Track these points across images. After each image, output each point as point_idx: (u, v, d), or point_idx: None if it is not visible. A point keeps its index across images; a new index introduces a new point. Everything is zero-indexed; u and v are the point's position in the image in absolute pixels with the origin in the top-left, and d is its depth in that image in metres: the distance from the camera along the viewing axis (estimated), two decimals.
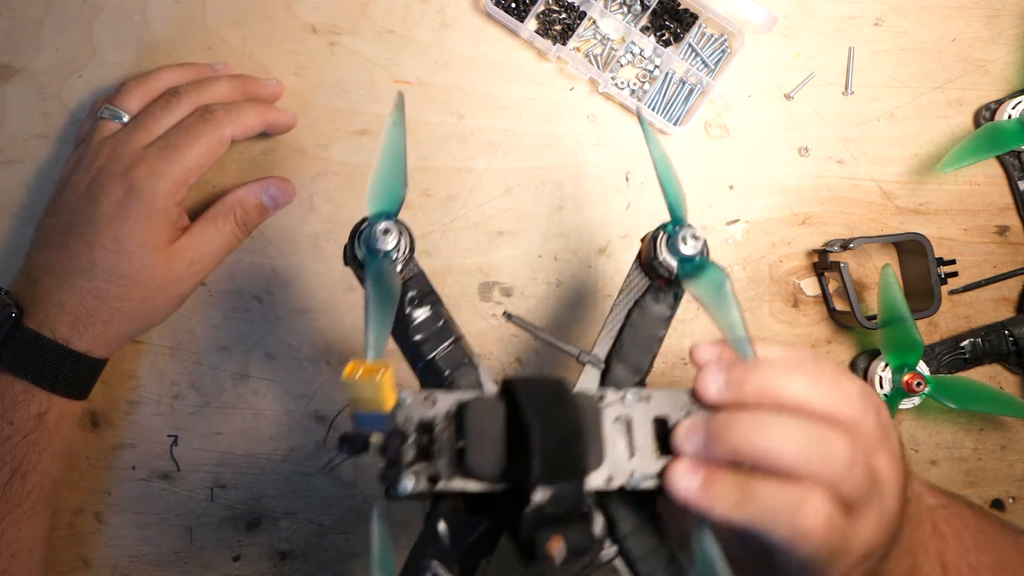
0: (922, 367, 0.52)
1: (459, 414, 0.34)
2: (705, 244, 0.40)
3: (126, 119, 0.50)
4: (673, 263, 0.40)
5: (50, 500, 0.49)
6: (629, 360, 0.41)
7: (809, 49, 0.56)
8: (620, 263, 0.55)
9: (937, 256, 0.54)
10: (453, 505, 0.36)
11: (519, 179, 0.56)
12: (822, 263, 0.55)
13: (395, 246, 0.37)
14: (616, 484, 0.34)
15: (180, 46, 0.56)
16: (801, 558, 0.33)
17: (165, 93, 0.51)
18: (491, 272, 0.55)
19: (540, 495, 0.31)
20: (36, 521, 0.48)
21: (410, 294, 0.39)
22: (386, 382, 0.30)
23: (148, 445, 0.54)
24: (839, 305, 0.55)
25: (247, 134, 0.51)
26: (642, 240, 0.42)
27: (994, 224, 0.56)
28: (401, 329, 0.39)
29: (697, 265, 0.40)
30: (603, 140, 0.56)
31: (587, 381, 0.40)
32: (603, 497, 0.36)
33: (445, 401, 0.34)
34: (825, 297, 0.55)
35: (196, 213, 0.51)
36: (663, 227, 0.41)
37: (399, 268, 0.38)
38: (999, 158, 0.56)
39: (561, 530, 0.31)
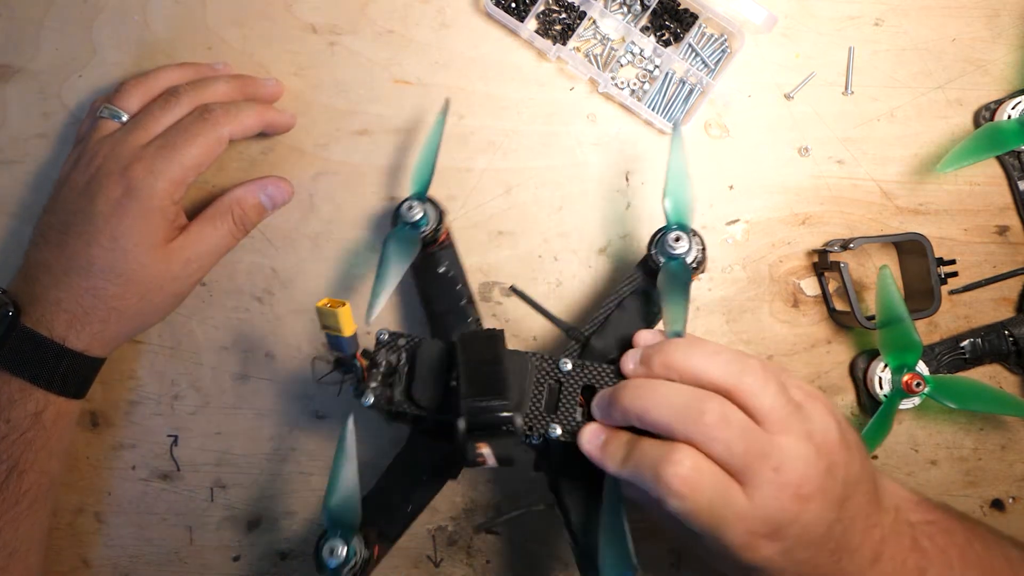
0: (921, 367, 0.51)
1: (412, 354, 0.44)
2: (698, 248, 0.46)
3: (125, 118, 0.51)
4: (661, 260, 0.46)
5: (48, 499, 0.49)
6: (609, 339, 0.47)
7: (809, 49, 0.56)
8: (620, 263, 0.55)
9: (937, 256, 0.54)
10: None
11: (519, 179, 0.56)
12: (822, 263, 0.55)
13: (417, 218, 0.47)
14: (533, 432, 0.42)
15: (180, 46, 0.56)
16: (676, 512, 0.37)
17: (164, 92, 0.51)
18: (491, 272, 0.55)
19: (466, 406, 0.39)
20: (34, 520, 0.48)
21: (440, 262, 0.50)
22: (342, 314, 0.39)
23: (148, 445, 0.54)
24: (839, 305, 0.55)
25: (246, 134, 0.51)
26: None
27: (994, 224, 0.56)
28: (424, 286, 0.50)
29: (676, 264, 0.46)
30: (603, 140, 0.56)
31: (568, 352, 0.47)
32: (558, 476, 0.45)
33: (409, 343, 0.44)
34: (825, 297, 0.55)
35: (195, 212, 0.51)
36: (665, 227, 0.47)
37: (424, 234, 0.48)
38: (999, 158, 0.56)
39: (488, 439, 0.39)
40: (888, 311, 0.50)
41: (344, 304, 0.39)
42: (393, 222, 0.49)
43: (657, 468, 0.37)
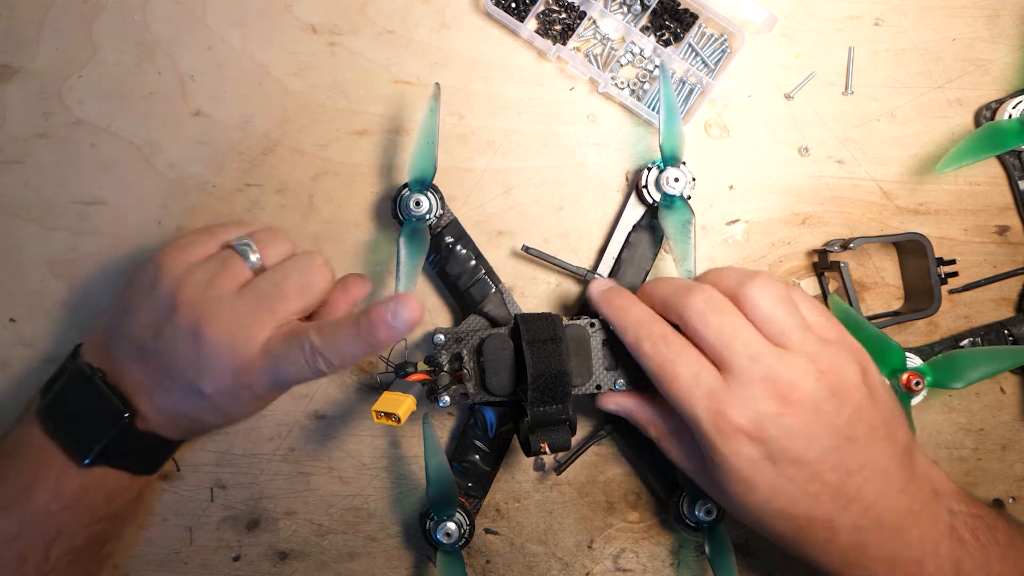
0: (914, 359, 0.51)
1: (479, 349, 0.47)
2: (689, 183, 0.50)
3: (255, 259, 0.45)
4: (657, 197, 0.51)
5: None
6: (626, 278, 0.52)
7: (809, 49, 0.56)
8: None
9: (937, 256, 0.54)
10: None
11: (519, 179, 0.56)
12: (822, 263, 0.55)
13: (425, 211, 0.49)
14: (603, 389, 0.48)
15: (180, 46, 0.56)
16: (647, 371, 0.43)
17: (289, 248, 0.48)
18: None
19: (532, 413, 0.45)
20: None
21: (447, 240, 0.51)
22: (405, 411, 0.45)
23: None
24: None
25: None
26: (637, 173, 0.52)
27: (994, 224, 0.56)
28: (441, 268, 0.52)
29: (674, 203, 0.50)
30: (603, 140, 0.56)
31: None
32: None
33: (469, 339, 0.47)
34: (825, 297, 0.55)
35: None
36: (654, 162, 0.51)
37: (431, 222, 0.50)
38: (999, 158, 0.56)
39: (547, 434, 0.45)
40: (850, 327, 0.47)
41: (408, 399, 0.45)
42: (394, 213, 0.50)
43: (639, 331, 0.43)
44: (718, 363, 0.40)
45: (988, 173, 0.56)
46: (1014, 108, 0.54)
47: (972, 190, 0.56)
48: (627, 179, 0.56)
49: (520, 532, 0.54)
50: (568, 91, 0.56)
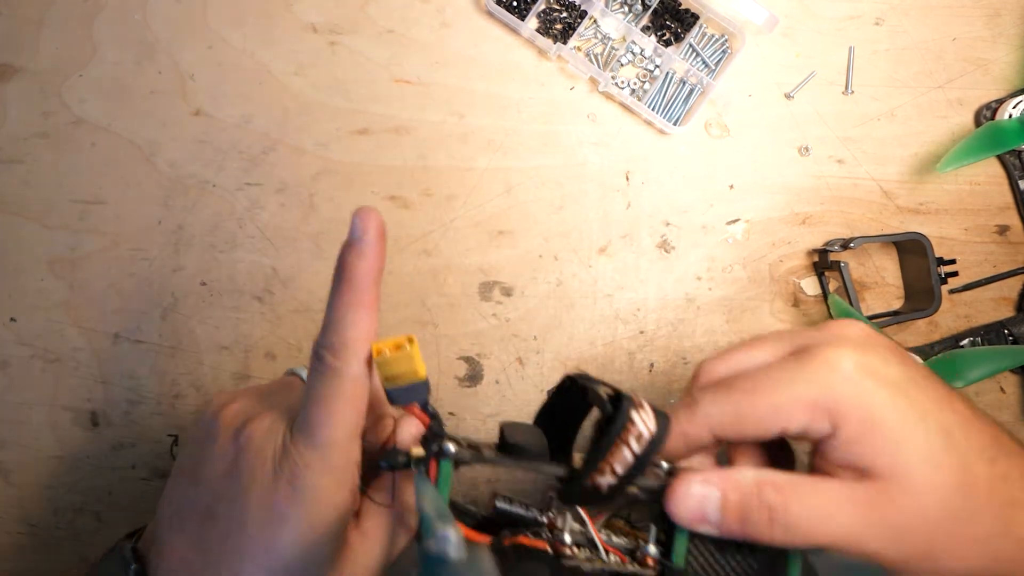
0: (914, 359, 0.51)
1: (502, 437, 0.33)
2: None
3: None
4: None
5: None
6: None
7: (809, 49, 0.56)
8: (620, 262, 0.55)
9: (937, 256, 0.54)
10: None
11: (519, 178, 0.56)
12: (822, 263, 0.55)
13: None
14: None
15: (180, 45, 0.56)
16: None
17: None
18: (491, 271, 0.55)
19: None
20: None
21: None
22: (415, 352, 0.31)
23: (149, 444, 0.54)
24: None
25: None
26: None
27: (994, 223, 0.56)
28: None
29: None
30: (603, 139, 0.56)
31: None
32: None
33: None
34: (825, 297, 0.55)
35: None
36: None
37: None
38: (999, 157, 0.56)
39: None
40: None
41: (412, 339, 0.31)
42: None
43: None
44: None
45: (988, 173, 0.56)
46: (1014, 108, 0.54)
47: (972, 190, 0.56)
48: (627, 179, 0.56)
49: None
50: (569, 90, 0.56)
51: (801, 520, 0.31)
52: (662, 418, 0.32)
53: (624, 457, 0.31)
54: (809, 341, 0.35)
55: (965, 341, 0.55)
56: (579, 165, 0.56)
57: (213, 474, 0.35)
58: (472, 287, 0.55)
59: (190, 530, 0.35)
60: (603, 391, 0.32)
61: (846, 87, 0.56)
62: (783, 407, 0.33)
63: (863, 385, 0.32)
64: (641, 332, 0.55)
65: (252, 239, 0.55)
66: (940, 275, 0.53)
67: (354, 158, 0.55)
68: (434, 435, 0.32)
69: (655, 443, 0.31)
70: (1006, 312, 0.56)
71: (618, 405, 0.31)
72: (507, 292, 0.55)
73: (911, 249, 0.54)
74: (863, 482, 0.32)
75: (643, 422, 0.31)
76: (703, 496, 0.32)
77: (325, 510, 0.33)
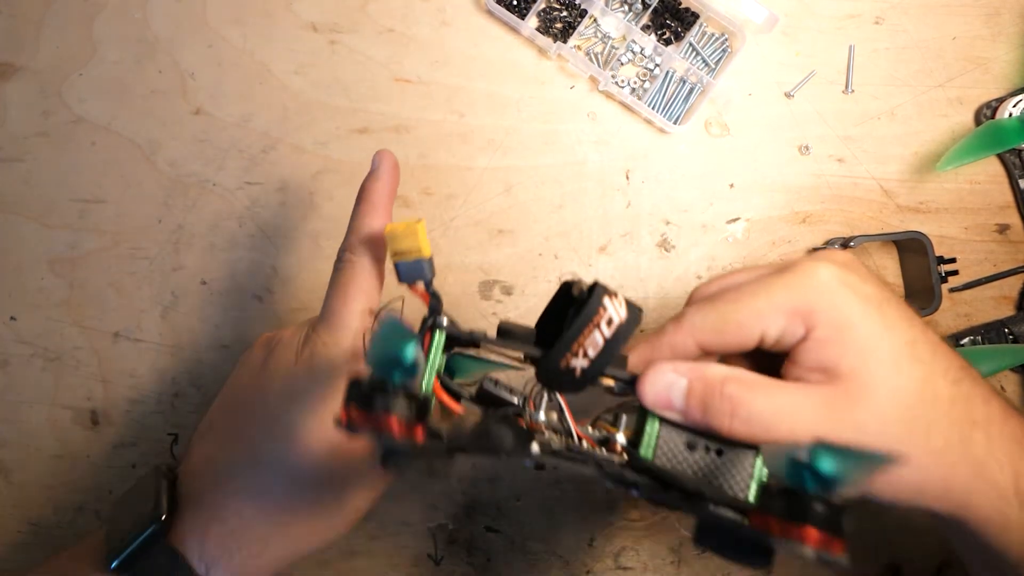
0: None
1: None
2: None
3: None
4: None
5: None
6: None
7: (809, 47, 0.56)
8: (620, 261, 0.55)
9: (937, 254, 0.54)
10: None
11: (519, 177, 0.56)
12: None
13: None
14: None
15: (180, 44, 0.56)
16: None
17: None
18: (492, 270, 0.55)
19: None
20: None
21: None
22: (421, 230, 0.35)
23: (149, 443, 0.54)
24: None
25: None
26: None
27: (995, 222, 0.56)
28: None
29: None
30: (603, 138, 0.56)
31: None
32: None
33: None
34: None
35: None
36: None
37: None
38: (1000, 156, 0.56)
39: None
40: None
41: (420, 220, 0.35)
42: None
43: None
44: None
45: (988, 171, 0.56)
46: (1014, 106, 0.54)
47: (972, 188, 0.56)
48: (627, 178, 0.56)
49: (520, 530, 0.54)
50: (569, 89, 0.56)
51: (764, 414, 0.33)
52: (633, 308, 0.34)
53: (595, 340, 0.33)
54: (794, 261, 0.37)
55: (965, 340, 0.55)
56: (579, 164, 0.56)
57: (246, 376, 0.40)
58: (472, 286, 0.55)
59: (217, 429, 0.40)
60: (586, 284, 0.34)
61: (846, 86, 0.56)
62: (763, 312, 0.34)
63: (839, 292, 0.34)
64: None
65: (252, 238, 0.55)
66: (940, 274, 0.53)
67: (354, 157, 0.55)
68: (432, 311, 0.35)
69: (625, 328, 0.33)
70: (1006, 311, 0.56)
71: (592, 292, 0.33)
72: (507, 291, 0.55)
73: (911, 248, 0.54)
74: (828, 385, 0.33)
75: (615, 309, 0.33)
76: (671, 382, 0.34)
77: (338, 384, 0.36)
